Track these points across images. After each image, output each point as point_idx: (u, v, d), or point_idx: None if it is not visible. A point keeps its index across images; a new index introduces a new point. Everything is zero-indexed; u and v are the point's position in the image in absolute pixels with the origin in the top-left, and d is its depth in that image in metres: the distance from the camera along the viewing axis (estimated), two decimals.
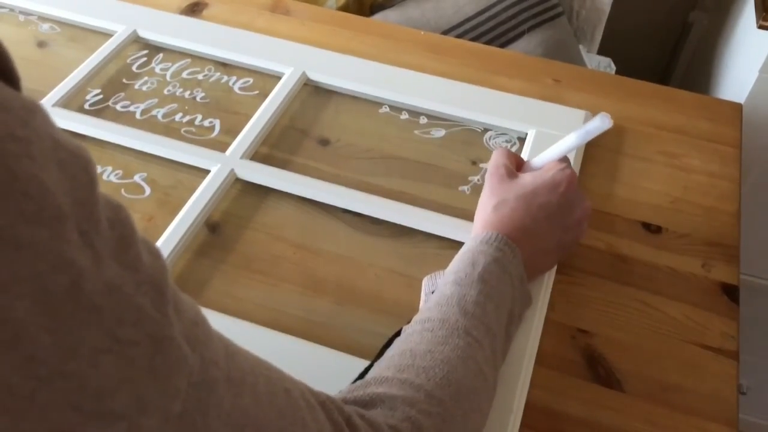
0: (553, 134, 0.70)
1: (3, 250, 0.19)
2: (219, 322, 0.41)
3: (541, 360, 0.55)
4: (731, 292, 0.60)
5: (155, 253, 0.25)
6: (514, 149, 0.71)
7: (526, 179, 0.55)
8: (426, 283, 0.55)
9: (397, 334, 0.48)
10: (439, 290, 0.49)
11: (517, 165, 0.58)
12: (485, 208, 0.55)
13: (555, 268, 0.60)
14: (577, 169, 0.68)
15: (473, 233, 0.54)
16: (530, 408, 0.52)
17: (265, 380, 0.29)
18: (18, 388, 0.19)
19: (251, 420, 0.27)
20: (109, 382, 0.21)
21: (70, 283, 0.20)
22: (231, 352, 0.28)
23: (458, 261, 0.51)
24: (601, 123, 0.53)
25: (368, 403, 0.38)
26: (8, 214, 0.19)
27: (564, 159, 0.57)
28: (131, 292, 0.22)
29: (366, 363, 0.54)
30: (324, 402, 0.34)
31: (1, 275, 0.19)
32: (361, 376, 0.44)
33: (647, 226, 0.65)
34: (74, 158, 0.22)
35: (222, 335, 0.29)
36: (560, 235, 0.55)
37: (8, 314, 0.19)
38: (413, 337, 0.44)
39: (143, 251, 0.24)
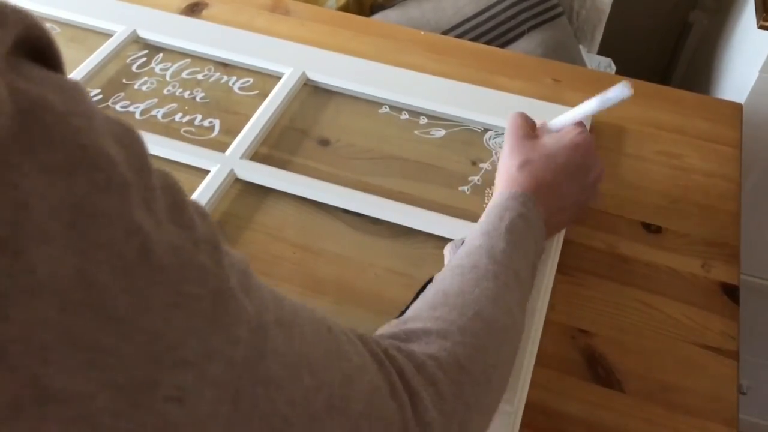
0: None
1: (82, 219, 0.20)
2: None
3: (541, 360, 0.55)
4: (731, 292, 0.60)
5: (204, 213, 0.26)
6: None
7: (547, 141, 0.58)
8: (449, 250, 0.57)
9: (429, 281, 0.50)
10: (467, 242, 0.51)
11: (531, 127, 0.60)
12: (509, 166, 0.57)
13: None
14: None
15: (498, 190, 0.57)
16: (530, 408, 0.52)
17: (310, 321, 0.31)
18: (105, 344, 0.21)
19: (303, 359, 0.28)
20: (179, 334, 0.23)
21: (140, 246, 0.22)
22: (276, 297, 0.29)
23: (486, 215, 0.53)
24: (621, 92, 0.55)
25: (404, 338, 0.40)
26: (83, 185, 0.20)
27: (580, 123, 0.59)
28: (191, 250, 0.24)
29: None
30: (362, 336, 0.35)
31: (83, 242, 0.20)
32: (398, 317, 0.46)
33: (647, 226, 0.65)
34: (126, 131, 0.24)
35: (264, 283, 0.31)
36: (577, 194, 0.58)
37: (92, 278, 0.20)
38: (446, 280, 0.47)
39: (194, 213, 0.26)
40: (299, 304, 0.32)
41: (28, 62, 0.21)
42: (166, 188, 0.24)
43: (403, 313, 0.47)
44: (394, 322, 0.43)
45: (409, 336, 0.40)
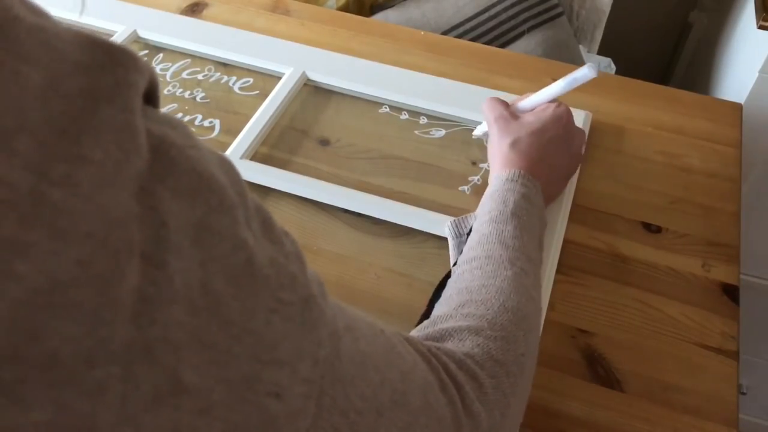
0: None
1: (203, 236, 0.23)
2: None
3: (541, 360, 0.54)
4: (731, 292, 0.60)
5: (287, 232, 0.29)
6: None
7: (530, 118, 0.61)
8: (450, 227, 0.58)
9: (447, 276, 0.51)
10: (476, 231, 0.53)
11: (508, 108, 0.63)
12: (501, 148, 0.59)
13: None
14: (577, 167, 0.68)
15: (494, 173, 0.59)
16: (530, 408, 0.52)
17: (366, 325, 0.33)
18: (221, 344, 0.23)
19: (368, 358, 0.31)
20: (277, 336, 0.26)
21: (246, 258, 0.25)
22: (339, 305, 0.32)
23: (489, 201, 0.55)
24: (587, 72, 0.57)
25: (438, 338, 0.42)
26: (202, 206, 0.24)
27: (553, 101, 0.62)
28: (284, 262, 0.27)
29: None
30: (408, 337, 0.37)
31: (204, 255, 0.23)
32: (421, 318, 0.48)
33: (647, 226, 0.65)
34: (225, 160, 0.27)
35: None
36: (568, 162, 0.62)
37: (211, 286, 0.23)
38: (465, 276, 0.48)
39: (281, 231, 0.29)
40: (354, 310, 0.34)
41: (145, 103, 0.24)
42: (258, 209, 0.27)
43: (425, 313, 0.48)
44: (424, 324, 0.45)
45: (443, 336, 0.42)
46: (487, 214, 0.53)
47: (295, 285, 0.27)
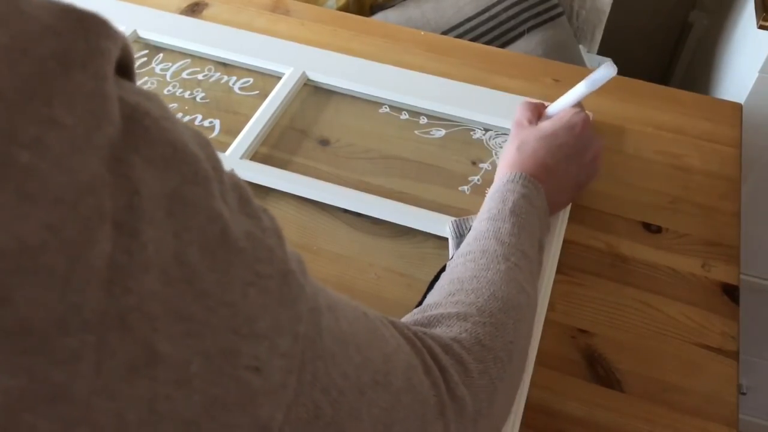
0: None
1: (176, 206, 0.23)
2: None
3: (541, 360, 0.55)
4: (731, 292, 0.60)
5: (265, 209, 0.29)
6: None
7: (545, 124, 0.61)
8: (451, 226, 0.59)
9: (442, 270, 0.51)
10: (475, 228, 0.53)
11: (540, 114, 0.64)
12: (509, 150, 0.60)
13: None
14: None
15: (498, 175, 0.58)
16: (530, 408, 0.52)
17: (349, 306, 0.33)
18: (197, 316, 0.23)
19: (350, 337, 0.31)
20: (255, 310, 0.25)
21: (221, 230, 0.25)
22: (321, 285, 0.32)
23: (489, 200, 0.55)
24: (606, 71, 0.58)
25: (427, 324, 0.42)
26: (176, 177, 0.24)
27: (577, 105, 0.62)
28: (261, 236, 0.27)
29: None
30: (393, 321, 0.37)
31: (178, 226, 0.23)
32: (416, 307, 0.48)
33: (647, 226, 0.65)
34: (199, 135, 0.27)
35: None
36: (577, 172, 0.60)
37: (185, 257, 0.23)
38: (458, 268, 0.49)
39: (258, 207, 0.29)
40: (336, 293, 0.34)
41: (118, 75, 0.24)
42: (235, 185, 0.27)
43: (420, 303, 0.48)
44: (415, 310, 0.45)
45: (431, 321, 0.42)
46: (486, 213, 0.53)
47: (272, 259, 0.27)
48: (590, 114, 0.74)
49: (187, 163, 0.24)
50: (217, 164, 0.26)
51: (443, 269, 0.52)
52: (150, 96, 0.25)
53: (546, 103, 0.64)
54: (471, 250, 0.50)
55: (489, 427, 0.40)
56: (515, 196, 0.53)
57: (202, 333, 0.23)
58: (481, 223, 0.53)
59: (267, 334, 0.26)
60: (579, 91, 0.60)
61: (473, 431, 0.38)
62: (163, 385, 0.22)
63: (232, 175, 0.28)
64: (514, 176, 0.55)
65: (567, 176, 0.59)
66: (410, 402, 0.33)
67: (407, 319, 0.44)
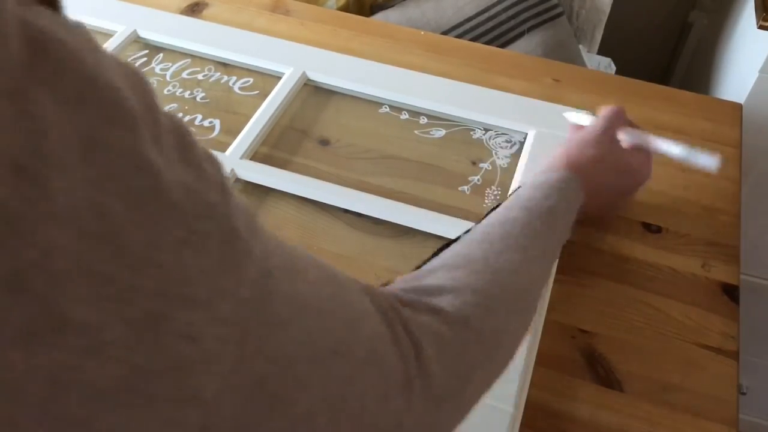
0: (554, 134, 0.70)
1: (93, 151, 0.21)
2: None
3: (541, 360, 0.55)
4: (731, 292, 0.60)
5: (211, 156, 0.27)
6: (514, 149, 0.71)
7: (630, 155, 0.60)
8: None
9: (456, 240, 0.49)
10: (504, 210, 0.50)
11: (624, 123, 0.62)
12: (584, 151, 0.57)
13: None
14: None
15: (554, 163, 0.56)
16: (530, 408, 0.52)
17: (314, 267, 0.31)
18: (119, 277, 0.21)
19: (308, 302, 0.29)
20: (190, 271, 0.23)
21: (151, 181, 0.22)
22: (281, 243, 0.29)
23: (532, 188, 0.52)
24: (708, 162, 0.58)
25: (415, 291, 0.40)
26: (93, 117, 0.21)
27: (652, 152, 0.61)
28: (201, 189, 0.24)
29: None
30: (367, 287, 0.35)
31: (96, 174, 0.20)
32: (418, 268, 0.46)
33: (647, 226, 0.65)
34: (133, 71, 0.24)
35: (270, 231, 0.31)
36: (608, 205, 0.62)
37: (106, 210, 0.21)
38: (473, 244, 0.46)
39: (203, 154, 0.26)
40: (304, 251, 0.32)
41: (36, 3, 0.21)
42: (174, 129, 0.25)
43: (419, 267, 0.46)
44: (410, 276, 0.43)
45: (421, 290, 0.40)
46: (525, 201, 0.51)
47: (213, 215, 0.24)
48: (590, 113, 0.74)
49: (109, 101, 0.21)
50: (151, 104, 0.24)
51: (458, 238, 0.49)
52: (73, 25, 0.22)
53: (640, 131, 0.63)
54: (492, 231, 0.47)
55: (454, 409, 0.38)
56: (560, 200, 0.51)
57: (123, 296, 0.21)
58: (512, 208, 0.50)
59: (203, 299, 0.23)
60: (675, 150, 0.60)
61: (435, 412, 0.35)
62: (70, 353, 0.20)
63: (173, 117, 0.25)
64: (570, 178, 0.53)
65: (603, 206, 0.60)
66: (373, 374, 0.31)
67: (398, 283, 0.42)
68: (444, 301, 0.39)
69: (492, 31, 1.06)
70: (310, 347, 0.28)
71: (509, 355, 0.43)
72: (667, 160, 0.71)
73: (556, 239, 0.51)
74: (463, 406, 0.39)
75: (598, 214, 0.61)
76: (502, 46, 1.06)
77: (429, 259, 0.46)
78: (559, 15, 1.10)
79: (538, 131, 0.71)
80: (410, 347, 0.34)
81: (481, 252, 0.45)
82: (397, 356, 0.33)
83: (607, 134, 0.59)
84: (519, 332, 0.44)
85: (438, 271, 0.43)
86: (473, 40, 1.04)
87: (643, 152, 0.61)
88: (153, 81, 0.79)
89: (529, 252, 0.46)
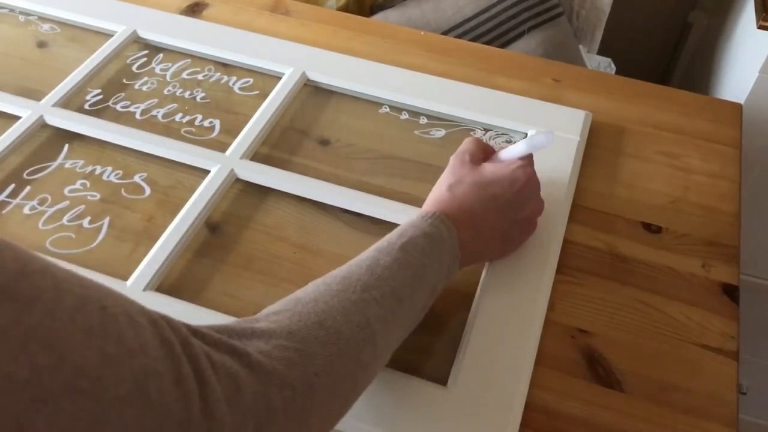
0: (554, 134, 0.70)
1: None
2: (219, 321, 0.41)
3: (541, 360, 0.55)
4: (731, 292, 0.60)
5: None
6: None
7: (487, 168, 0.57)
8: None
9: None
10: (358, 256, 0.49)
11: (486, 155, 0.60)
12: (440, 186, 0.56)
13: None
14: (576, 169, 0.68)
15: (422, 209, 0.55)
16: (530, 408, 0.52)
17: (74, 297, 0.29)
18: None
19: (39, 334, 0.26)
20: None
21: None
22: (29, 271, 0.27)
23: (395, 231, 0.52)
24: (546, 139, 0.55)
25: (228, 333, 0.38)
26: None
27: (527, 157, 0.58)
28: None
29: None
30: (156, 321, 0.33)
31: None
32: None
33: (647, 226, 0.65)
34: None
35: (38, 256, 0.29)
36: (506, 228, 0.57)
37: None
38: (309, 287, 0.45)
39: None
40: (79, 279, 0.30)
41: None
42: None
43: None
44: (244, 318, 0.42)
45: (232, 331, 0.39)
46: (378, 243, 0.50)
47: None
48: (589, 113, 0.74)
49: None
50: None
51: None
52: None
53: (496, 148, 0.61)
54: (335, 273, 0.46)
55: None
56: (415, 233, 0.50)
57: None
58: (367, 251, 0.49)
59: None
60: (518, 148, 0.57)
61: None
62: None
63: None
64: (427, 214, 0.52)
65: (494, 229, 0.55)
66: (135, 413, 0.29)
67: (226, 323, 0.40)
68: (252, 345, 0.38)
69: (492, 31, 1.06)
70: (35, 384, 0.26)
71: (330, 400, 0.41)
72: (668, 161, 0.71)
73: (416, 275, 0.48)
74: None
75: (500, 245, 0.58)
76: (502, 46, 1.06)
77: None
78: (559, 15, 1.11)
79: (538, 131, 0.71)
80: (195, 388, 0.32)
81: (313, 294, 0.43)
82: (174, 396, 0.31)
83: (458, 159, 0.57)
84: (344, 376, 0.42)
85: (265, 315, 0.41)
86: (473, 40, 1.04)
87: (512, 166, 0.56)
88: (153, 81, 0.79)
89: (372, 291, 0.44)
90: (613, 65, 1.27)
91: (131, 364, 0.30)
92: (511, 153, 0.58)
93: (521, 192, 0.56)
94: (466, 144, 0.59)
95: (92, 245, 0.62)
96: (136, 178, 0.68)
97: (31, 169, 0.69)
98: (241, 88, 0.78)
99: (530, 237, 0.61)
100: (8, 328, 0.25)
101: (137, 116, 0.75)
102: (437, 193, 0.56)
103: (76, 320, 0.28)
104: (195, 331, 0.36)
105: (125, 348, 0.30)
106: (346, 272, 0.46)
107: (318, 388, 0.39)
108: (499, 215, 0.55)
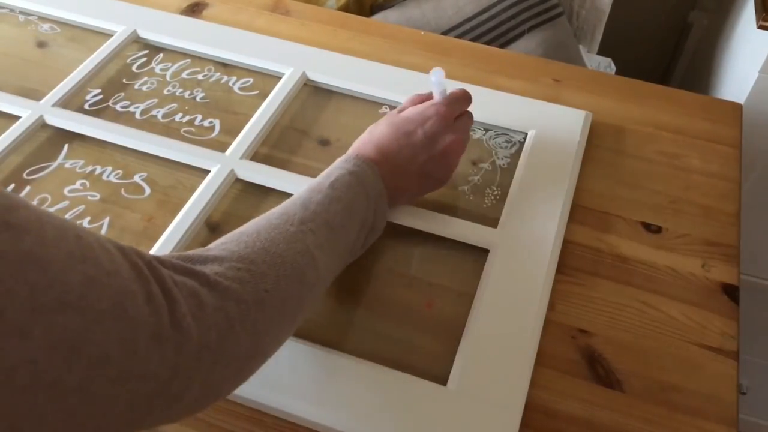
0: (554, 134, 0.70)
1: None
2: None
3: (541, 360, 0.55)
4: (731, 292, 0.60)
5: None
6: (513, 149, 0.71)
7: (404, 112, 0.63)
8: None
9: None
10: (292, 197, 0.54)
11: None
12: (365, 132, 0.62)
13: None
14: (576, 169, 0.68)
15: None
16: (530, 408, 0.52)
17: (53, 227, 0.32)
18: None
19: (33, 258, 0.30)
20: None
21: None
22: (15, 205, 0.31)
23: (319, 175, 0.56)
24: (437, 74, 0.62)
25: (187, 259, 0.43)
26: None
27: (446, 98, 0.63)
28: None
29: (370, 365, 0.54)
30: (123, 248, 0.37)
31: None
32: None
33: (647, 226, 0.65)
34: None
35: (16, 195, 0.32)
36: (423, 162, 0.60)
37: None
38: (251, 223, 0.49)
39: None
40: (54, 216, 0.33)
41: None
42: None
43: None
44: (196, 249, 0.46)
45: (187, 258, 0.43)
46: (310, 183, 0.54)
47: None
48: (589, 113, 0.74)
49: None
50: None
51: None
52: None
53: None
54: (273, 211, 0.50)
55: (218, 363, 0.40)
56: (341, 172, 0.55)
57: None
58: (298, 193, 0.53)
59: None
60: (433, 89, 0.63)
61: (196, 361, 0.38)
62: None
63: None
64: (348, 156, 0.57)
65: (411, 163, 0.59)
66: (115, 326, 0.33)
67: (183, 252, 0.44)
68: (207, 268, 0.42)
69: (492, 31, 1.06)
70: (30, 299, 0.29)
71: (279, 316, 0.45)
72: (668, 161, 0.71)
73: (347, 208, 0.53)
74: (231, 362, 0.41)
75: (421, 179, 0.61)
76: (502, 46, 1.06)
77: None
78: (559, 15, 1.11)
79: (538, 131, 0.71)
80: (164, 304, 0.36)
81: (255, 227, 0.48)
82: (147, 311, 0.35)
83: (390, 113, 0.64)
84: (291, 294, 0.46)
85: (213, 245, 0.46)
86: (473, 40, 1.04)
87: (424, 106, 0.62)
88: (153, 81, 0.79)
89: (308, 224, 0.49)
90: (613, 65, 1.27)
91: (109, 283, 0.33)
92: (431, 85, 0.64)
93: (432, 127, 0.60)
94: (411, 98, 0.65)
95: None
96: (136, 178, 0.68)
97: (31, 169, 0.69)
98: (241, 88, 0.78)
99: (525, 235, 0.61)
100: (7, 253, 0.29)
101: (137, 116, 0.75)
102: (360, 138, 0.61)
103: (60, 246, 0.32)
104: (157, 258, 0.40)
105: (103, 270, 0.33)
106: (282, 210, 0.51)
107: (268, 303, 0.43)
108: (413, 150, 0.59)
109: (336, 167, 0.56)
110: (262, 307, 0.43)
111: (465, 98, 0.64)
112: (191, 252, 0.44)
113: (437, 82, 0.62)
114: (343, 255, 0.54)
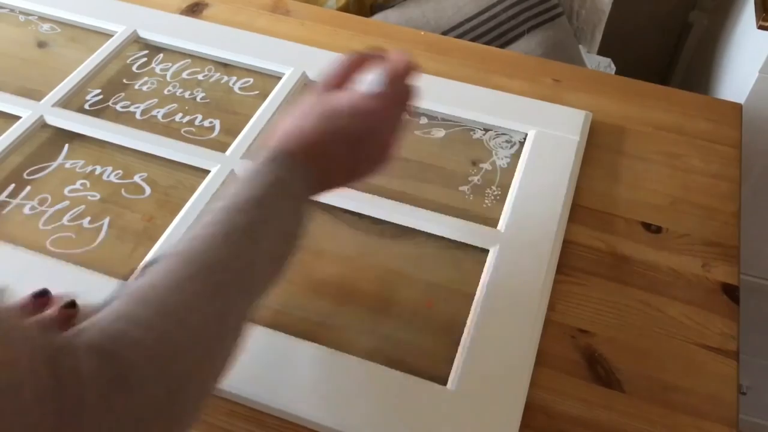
0: (554, 134, 0.71)
1: None
2: None
3: (541, 360, 0.55)
4: (731, 292, 0.60)
5: None
6: (513, 149, 0.71)
7: (340, 99, 0.52)
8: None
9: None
10: (209, 212, 0.45)
11: (343, 82, 0.55)
12: (293, 116, 0.52)
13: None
14: (576, 169, 0.68)
15: (268, 145, 0.51)
16: (530, 408, 0.52)
17: None
18: None
19: None
20: None
21: None
22: None
23: (240, 180, 0.48)
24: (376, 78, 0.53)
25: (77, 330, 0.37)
26: None
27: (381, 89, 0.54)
28: None
29: (371, 365, 0.54)
30: (34, 337, 0.32)
31: None
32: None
33: (647, 226, 0.65)
34: None
35: None
36: (356, 159, 0.53)
37: None
38: (160, 273, 0.41)
39: None
40: None
41: None
42: None
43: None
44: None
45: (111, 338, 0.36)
46: (229, 197, 0.46)
47: None
48: (589, 113, 0.74)
49: None
50: None
51: None
52: None
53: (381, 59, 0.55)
54: (194, 257, 0.42)
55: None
56: (270, 179, 0.47)
57: None
58: (214, 212, 0.45)
59: None
60: (369, 82, 0.53)
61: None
62: None
63: None
64: (276, 157, 0.49)
65: (344, 161, 0.52)
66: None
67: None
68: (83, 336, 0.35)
69: (492, 31, 1.06)
70: None
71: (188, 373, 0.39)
72: (668, 161, 0.71)
73: (276, 227, 0.47)
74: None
75: (349, 175, 0.54)
76: (502, 46, 1.06)
77: None
78: (559, 15, 1.11)
79: (538, 131, 0.71)
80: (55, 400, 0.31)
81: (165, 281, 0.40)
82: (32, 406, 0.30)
83: (318, 89, 0.53)
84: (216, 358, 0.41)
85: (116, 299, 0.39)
86: (473, 40, 1.04)
87: (362, 100, 0.52)
88: (153, 81, 0.79)
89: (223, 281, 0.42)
90: (613, 65, 1.27)
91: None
92: (365, 86, 0.54)
93: (368, 122, 0.52)
94: (329, 69, 0.55)
95: (92, 245, 0.62)
96: (136, 178, 0.68)
97: (31, 169, 0.69)
98: (241, 88, 0.78)
99: (525, 235, 0.60)
100: None
101: (137, 116, 0.75)
102: (288, 126, 0.51)
103: None
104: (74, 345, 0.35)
105: None
106: (203, 256, 0.42)
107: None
108: (349, 147, 0.51)
109: (265, 171, 0.48)
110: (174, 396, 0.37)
111: (405, 72, 0.56)
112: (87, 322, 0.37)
113: (375, 83, 0.53)
114: (270, 274, 0.47)
